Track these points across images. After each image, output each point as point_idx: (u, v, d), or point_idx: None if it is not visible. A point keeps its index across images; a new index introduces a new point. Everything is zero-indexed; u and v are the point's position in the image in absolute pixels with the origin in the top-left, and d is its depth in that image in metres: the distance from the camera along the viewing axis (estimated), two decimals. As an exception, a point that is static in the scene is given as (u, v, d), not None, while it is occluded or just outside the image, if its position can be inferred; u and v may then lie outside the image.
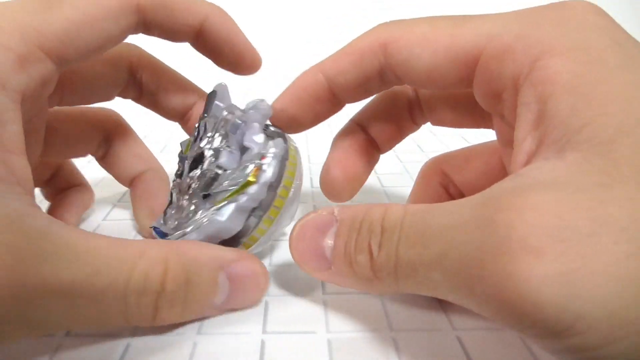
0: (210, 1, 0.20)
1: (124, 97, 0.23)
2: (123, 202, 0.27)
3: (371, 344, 0.16)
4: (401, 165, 0.34)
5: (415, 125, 0.22)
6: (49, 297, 0.13)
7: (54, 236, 0.14)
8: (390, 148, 0.23)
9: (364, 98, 0.20)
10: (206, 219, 0.17)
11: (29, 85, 0.16)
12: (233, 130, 0.19)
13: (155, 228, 0.19)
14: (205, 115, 0.20)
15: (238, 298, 0.17)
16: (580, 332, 0.10)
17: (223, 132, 0.19)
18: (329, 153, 0.22)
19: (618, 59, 0.13)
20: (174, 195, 0.20)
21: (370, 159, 0.22)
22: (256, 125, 0.19)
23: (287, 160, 0.18)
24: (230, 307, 0.18)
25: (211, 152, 0.18)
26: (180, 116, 0.24)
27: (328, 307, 0.18)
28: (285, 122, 0.20)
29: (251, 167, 0.18)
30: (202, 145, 0.19)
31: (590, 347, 0.11)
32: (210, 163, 0.18)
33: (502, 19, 0.15)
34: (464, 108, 0.20)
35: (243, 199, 0.17)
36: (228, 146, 0.18)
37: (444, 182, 0.22)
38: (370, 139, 0.22)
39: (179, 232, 0.18)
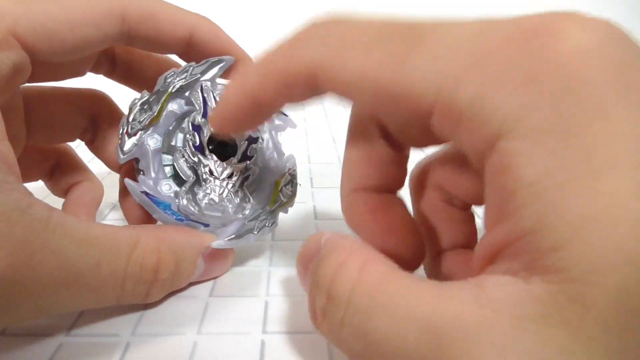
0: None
1: (96, 72, 0.22)
2: (123, 202, 0.27)
3: (371, 344, 0.16)
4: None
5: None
6: (57, 288, 0.14)
7: (56, 227, 0.14)
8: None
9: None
10: (269, 224, 0.20)
11: (0, 70, 0.15)
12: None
13: (171, 212, 0.19)
14: (199, 75, 0.20)
15: (209, 273, 0.19)
16: None
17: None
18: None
19: (612, 143, 0.10)
20: (201, 172, 0.19)
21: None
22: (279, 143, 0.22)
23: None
24: (201, 279, 0.19)
25: (245, 143, 0.20)
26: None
27: (328, 307, 0.18)
28: (226, 133, 0.19)
29: (295, 183, 0.21)
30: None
31: None
32: (253, 162, 0.20)
33: (456, 61, 0.11)
34: None
35: (288, 209, 0.21)
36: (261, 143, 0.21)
37: (443, 196, 0.18)
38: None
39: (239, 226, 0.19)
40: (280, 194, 0.20)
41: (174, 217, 0.19)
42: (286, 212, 0.20)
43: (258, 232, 0.19)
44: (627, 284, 0.09)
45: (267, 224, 0.20)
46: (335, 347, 0.14)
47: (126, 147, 0.19)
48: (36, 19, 0.16)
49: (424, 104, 0.12)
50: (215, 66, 0.20)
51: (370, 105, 0.14)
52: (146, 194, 0.19)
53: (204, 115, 0.20)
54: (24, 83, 0.18)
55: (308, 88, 0.15)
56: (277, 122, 0.22)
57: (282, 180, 0.21)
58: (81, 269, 0.14)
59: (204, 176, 0.19)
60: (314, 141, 0.37)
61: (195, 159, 0.19)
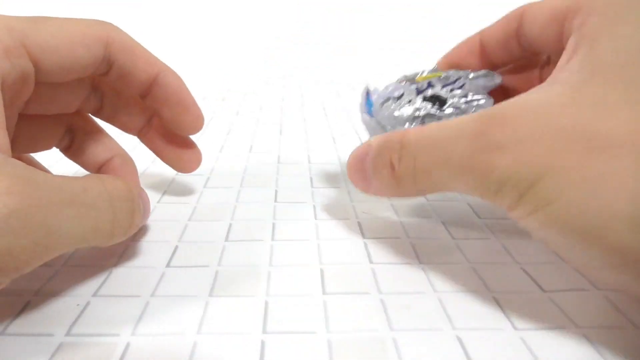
0: None
1: (85, 109, 0.24)
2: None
3: (371, 344, 0.16)
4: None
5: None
6: (61, 206, 0.15)
7: (38, 172, 0.16)
8: None
9: (509, 61, 0.24)
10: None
11: (10, 73, 0.17)
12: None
13: (368, 93, 0.25)
14: (469, 77, 0.24)
15: (145, 217, 0.21)
16: (526, 190, 0.15)
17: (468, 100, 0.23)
18: None
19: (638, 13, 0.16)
20: (405, 94, 0.24)
21: None
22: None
23: None
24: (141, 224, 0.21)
25: (455, 103, 0.23)
26: (137, 129, 0.26)
27: (328, 307, 0.18)
28: (448, 66, 0.26)
29: None
30: (446, 93, 0.23)
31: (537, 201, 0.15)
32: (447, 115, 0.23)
33: None
34: None
35: None
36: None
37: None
38: None
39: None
40: None
41: (369, 112, 0.24)
42: None
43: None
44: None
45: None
46: (410, 188, 0.19)
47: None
48: (41, 35, 0.18)
49: (565, 11, 0.19)
50: (486, 76, 0.24)
51: (540, 25, 0.21)
52: (369, 91, 0.24)
53: (445, 86, 0.23)
54: (29, 96, 0.20)
55: (516, 23, 0.22)
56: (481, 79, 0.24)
57: None
58: (75, 191, 0.16)
59: (405, 101, 0.23)
60: (314, 141, 0.37)
61: (413, 89, 0.24)
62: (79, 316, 0.18)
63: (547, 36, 0.20)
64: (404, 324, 0.17)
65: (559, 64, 0.18)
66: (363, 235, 0.23)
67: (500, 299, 0.19)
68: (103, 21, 0.21)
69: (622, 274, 0.15)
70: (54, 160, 0.31)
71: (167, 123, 0.24)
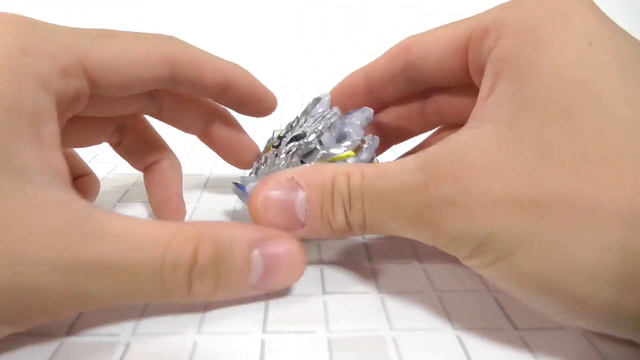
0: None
1: (143, 112, 0.24)
2: (123, 201, 0.27)
3: (371, 344, 0.16)
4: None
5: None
6: (97, 272, 0.14)
7: (96, 219, 0.15)
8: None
9: (395, 95, 0.23)
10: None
11: (65, 93, 0.17)
12: (335, 124, 0.22)
13: (236, 184, 0.23)
14: (305, 113, 0.24)
15: (273, 277, 0.17)
16: (483, 244, 0.15)
17: (327, 124, 0.21)
18: None
19: (559, 36, 0.16)
20: (268, 158, 0.23)
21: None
22: (357, 122, 0.22)
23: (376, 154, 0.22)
24: (266, 286, 0.18)
25: (314, 134, 0.21)
26: (197, 130, 0.25)
27: (328, 307, 0.18)
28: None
29: (353, 144, 0.21)
30: (302, 128, 0.22)
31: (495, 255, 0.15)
32: (314, 139, 0.21)
33: (493, 9, 0.18)
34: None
35: None
36: (329, 131, 0.22)
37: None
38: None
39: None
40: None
41: (243, 190, 0.22)
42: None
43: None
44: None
45: None
46: (360, 231, 0.18)
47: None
48: (102, 55, 0.18)
49: (467, 35, 0.18)
50: (313, 105, 0.23)
51: (437, 57, 0.20)
52: (236, 184, 0.23)
53: (293, 127, 0.23)
54: (81, 109, 0.20)
55: (402, 59, 0.21)
56: (357, 113, 0.22)
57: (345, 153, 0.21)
58: (120, 253, 0.15)
59: (269, 159, 0.22)
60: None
61: (270, 153, 0.23)
62: (79, 316, 0.18)
63: (449, 68, 0.20)
64: (404, 324, 0.17)
65: (481, 93, 0.17)
66: (363, 235, 0.23)
67: (500, 298, 0.19)
68: (168, 37, 0.21)
69: (585, 321, 0.15)
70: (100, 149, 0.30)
71: (244, 113, 0.24)
